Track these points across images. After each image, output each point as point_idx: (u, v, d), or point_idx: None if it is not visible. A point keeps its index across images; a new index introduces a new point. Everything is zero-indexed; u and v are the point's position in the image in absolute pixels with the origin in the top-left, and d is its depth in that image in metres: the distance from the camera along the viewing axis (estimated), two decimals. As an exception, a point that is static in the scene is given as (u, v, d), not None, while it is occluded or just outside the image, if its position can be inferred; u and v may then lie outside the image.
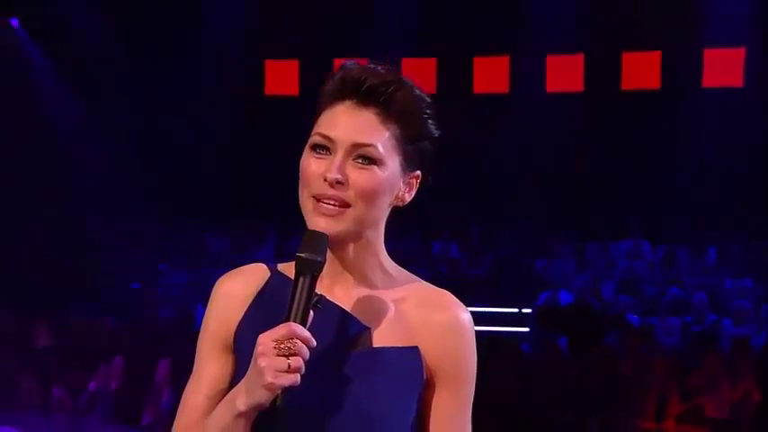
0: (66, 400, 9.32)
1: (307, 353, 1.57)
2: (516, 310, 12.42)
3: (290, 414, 1.63)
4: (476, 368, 1.79)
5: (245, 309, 1.78)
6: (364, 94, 1.71)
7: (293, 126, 10.68)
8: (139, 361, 9.26)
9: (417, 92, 1.76)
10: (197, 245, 14.09)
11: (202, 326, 1.83)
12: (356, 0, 14.85)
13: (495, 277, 13.20)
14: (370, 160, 1.69)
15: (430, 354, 1.74)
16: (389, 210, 1.78)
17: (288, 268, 1.79)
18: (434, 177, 1.84)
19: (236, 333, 1.78)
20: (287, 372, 1.56)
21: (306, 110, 8.17)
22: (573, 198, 13.94)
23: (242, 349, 1.74)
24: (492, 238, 14.04)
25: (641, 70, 14.30)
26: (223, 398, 1.71)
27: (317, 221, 1.68)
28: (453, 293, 1.83)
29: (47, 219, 13.32)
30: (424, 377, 1.74)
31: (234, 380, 1.75)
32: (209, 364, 1.79)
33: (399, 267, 1.84)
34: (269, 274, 1.83)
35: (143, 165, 13.77)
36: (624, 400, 8.52)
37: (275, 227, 14.08)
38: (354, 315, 1.74)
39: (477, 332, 6.17)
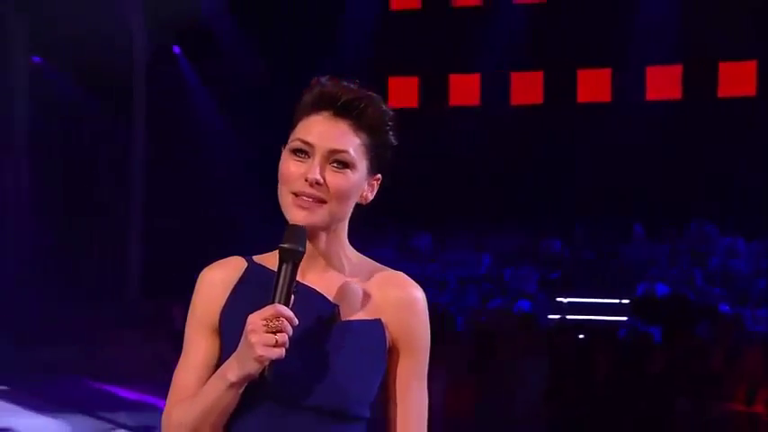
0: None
1: (290, 330, 1.68)
2: (616, 300, 12.29)
3: (275, 383, 1.72)
4: (429, 338, 1.88)
5: (227, 295, 1.87)
6: (340, 108, 1.82)
7: (413, 135, 10.94)
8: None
9: (384, 107, 1.87)
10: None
11: (189, 313, 1.91)
12: (469, 19, 14.92)
13: (595, 271, 13.10)
14: (344, 164, 1.81)
15: (391, 325, 1.84)
16: (353, 207, 1.88)
17: (263, 259, 1.92)
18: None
19: (221, 317, 1.87)
20: (274, 346, 1.66)
21: (425, 122, 8.36)
22: (671, 197, 13.73)
23: (227, 331, 1.84)
24: (594, 235, 13.91)
25: (738, 78, 14.03)
26: (211, 375, 1.82)
27: (297, 213, 1.79)
28: (557, 286, 2.01)
29: (197, 216, 13.72)
30: (387, 345, 1.84)
31: (221, 358, 1.83)
32: (198, 345, 1.87)
33: (361, 255, 1.94)
34: (246, 264, 1.92)
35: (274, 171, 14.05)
36: (715, 387, 8.38)
37: (396, 226, 14.25)
38: (325, 295, 1.85)
39: (580, 321, 6.19)
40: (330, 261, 1.87)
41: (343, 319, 1.82)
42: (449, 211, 14.31)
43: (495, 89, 14.87)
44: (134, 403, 8.69)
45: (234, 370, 1.72)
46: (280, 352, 1.67)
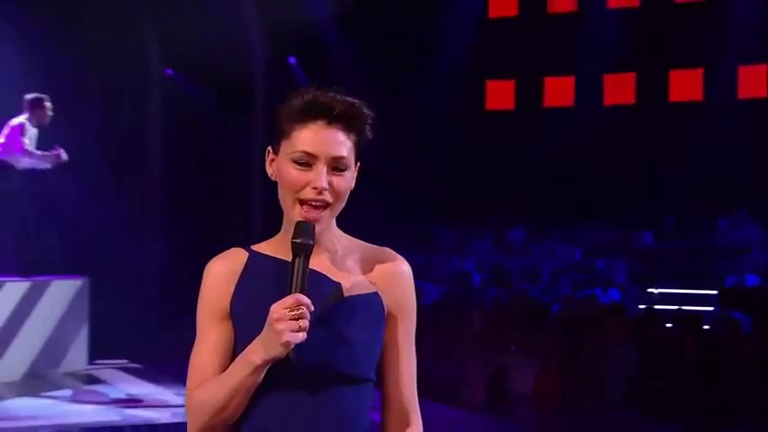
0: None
1: (309, 315, 1.79)
2: (705, 291, 12.04)
3: (296, 361, 1.83)
4: (415, 304, 1.99)
5: (234, 284, 1.95)
6: (335, 117, 1.90)
7: (510, 135, 10.80)
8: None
9: (365, 110, 1.96)
10: (426, 236, 14.39)
11: (199, 304, 1.97)
12: (564, 24, 14.82)
13: (684, 262, 12.87)
14: (344, 168, 1.92)
15: (386, 295, 1.95)
16: None
17: (261, 248, 2.01)
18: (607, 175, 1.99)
19: (231, 304, 1.94)
20: (298, 331, 1.77)
21: (521, 122, 8.34)
22: (760, 192, 13.36)
23: (239, 316, 1.94)
24: (683, 227, 13.67)
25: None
26: (226, 358, 1.92)
27: (307, 218, 1.90)
28: (647, 277, 2.08)
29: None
30: (385, 314, 1.95)
31: (236, 342, 1.93)
32: (211, 331, 1.94)
33: (349, 236, 2.04)
34: (247, 254, 1.99)
35: (379, 169, 14.19)
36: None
37: (492, 221, 14.27)
38: (327, 276, 1.94)
39: (669, 310, 6.07)
40: (326, 246, 1.97)
41: (346, 295, 1.91)
42: (543, 206, 14.26)
43: (589, 90, 14.77)
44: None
45: (260, 354, 1.81)
46: (303, 336, 1.78)
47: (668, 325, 9.31)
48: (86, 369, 9.41)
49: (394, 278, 1.98)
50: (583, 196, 14.00)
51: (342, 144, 1.91)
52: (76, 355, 9.37)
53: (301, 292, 1.82)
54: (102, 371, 9.43)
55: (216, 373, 1.90)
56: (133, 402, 8.09)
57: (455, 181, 14.63)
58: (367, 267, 1.99)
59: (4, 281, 8.81)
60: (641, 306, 11.07)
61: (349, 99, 1.93)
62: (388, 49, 14.43)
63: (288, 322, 1.78)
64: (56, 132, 9.52)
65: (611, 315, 9.30)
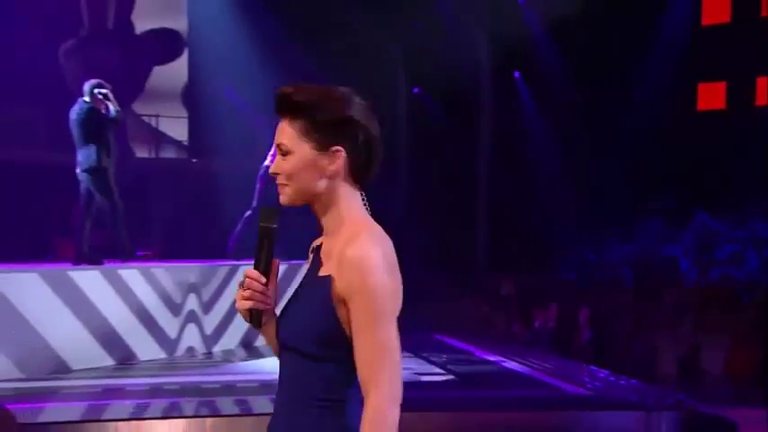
0: (521, 334, 9.59)
1: (258, 286, 1.80)
2: None
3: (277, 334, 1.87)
4: (365, 290, 1.71)
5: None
6: (279, 108, 1.81)
7: (722, 134, 9.94)
8: (568, 307, 9.26)
9: (314, 94, 1.78)
10: (634, 226, 13.65)
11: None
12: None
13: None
14: (284, 153, 1.80)
15: (338, 280, 1.75)
16: (333, 181, 1.81)
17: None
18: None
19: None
20: (244, 300, 1.81)
21: (732, 122, 7.53)
22: None
23: None
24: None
25: None
26: None
27: (279, 197, 1.85)
28: None
29: (527, 210, 13.76)
30: (333, 298, 1.75)
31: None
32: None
33: (359, 216, 1.83)
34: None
35: (588, 167, 13.69)
36: None
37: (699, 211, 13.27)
38: (321, 255, 1.85)
39: None
40: (327, 225, 1.85)
41: (318, 275, 1.82)
42: (751, 198, 12.96)
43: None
44: (458, 350, 8.85)
45: None
46: (248, 304, 1.82)
47: None
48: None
49: (341, 265, 1.76)
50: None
51: (282, 132, 1.80)
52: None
53: (266, 268, 1.83)
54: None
55: None
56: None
57: (665, 174, 13.72)
58: (336, 253, 1.81)
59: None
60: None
61: (290, 89, 1.80)
62: (602, 57, 13.81)
63: (239, 293, 1.83)
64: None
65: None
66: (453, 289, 11.94)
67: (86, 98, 7.32)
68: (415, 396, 6.37)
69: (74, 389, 6.26)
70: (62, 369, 6.70)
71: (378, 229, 1.80)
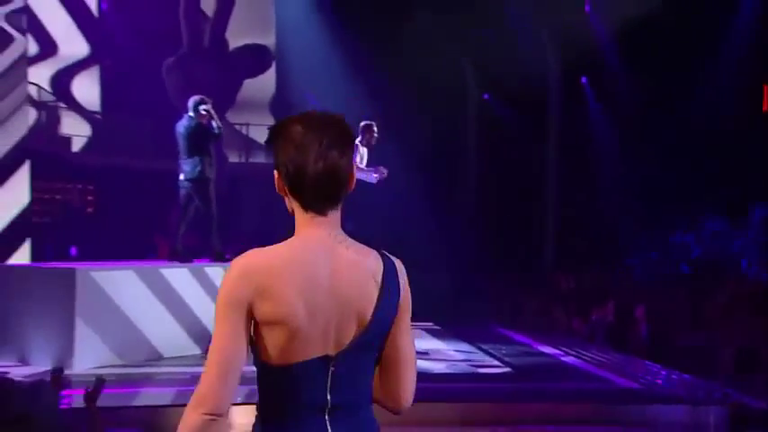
0: (579, 329, 9.44)
1: None
2: None
3: None
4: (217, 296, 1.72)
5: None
6: None
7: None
8: (626, 303, 9.08)
9: (269, 130, 1.80)
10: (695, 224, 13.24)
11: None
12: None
13: None
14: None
15: None
16: (287, 198, 1.79)
17: None
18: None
19: None
20: None
21: None
22: None
23: None
24: None
25: None
26: None
27: None
28: None
29: (592, 210, 13.55)
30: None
31: None
32: None
33: (296, 232, 1.79)
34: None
35: (652, 167, 13.36)
36: None
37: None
38: None
39: None
40: None
41: None
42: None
43: None
44: (519, 343, 8.84)
45: None
46: None
47: None
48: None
49: None
50: None
51: None
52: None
53: None
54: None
55: None
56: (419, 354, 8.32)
57: (728, 173, 13.26)
58: None
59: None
60: None
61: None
62: (668, 58, 13.45)
63: None
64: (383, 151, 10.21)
65: None
66: (518, 286, 11.90)
67: (191, 113, 7.54)
68: (470, 388, 6.42)
69: (165, 375, 6.56)
70: (155, 357, 7.06)
71: (284, 244, 1.74)
